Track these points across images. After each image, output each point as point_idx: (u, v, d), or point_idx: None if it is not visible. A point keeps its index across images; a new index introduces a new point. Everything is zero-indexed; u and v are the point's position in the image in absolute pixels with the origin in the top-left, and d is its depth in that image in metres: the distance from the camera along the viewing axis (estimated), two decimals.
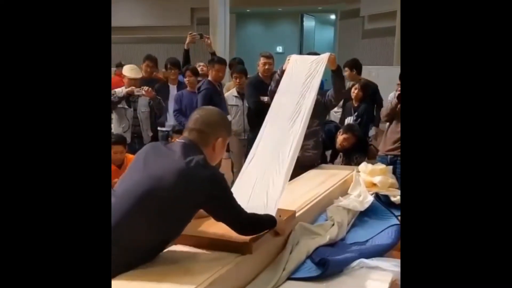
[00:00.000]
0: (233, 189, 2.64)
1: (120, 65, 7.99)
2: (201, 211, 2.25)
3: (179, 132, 4.72)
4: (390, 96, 5.40)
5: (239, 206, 2.10)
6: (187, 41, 6.15)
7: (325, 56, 3.40)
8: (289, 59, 3.52)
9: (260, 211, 2.33)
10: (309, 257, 2.47)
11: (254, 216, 2.19)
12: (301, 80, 3.10)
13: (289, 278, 2.32)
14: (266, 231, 2.25)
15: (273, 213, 2.41)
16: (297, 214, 2.74)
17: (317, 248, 2.53)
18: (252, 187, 2.60)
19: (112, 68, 7.15)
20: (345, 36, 14.17)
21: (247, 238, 2.15)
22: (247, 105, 5.38)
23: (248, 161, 2.79)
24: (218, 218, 2.11)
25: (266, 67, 5.23)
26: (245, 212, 2.12)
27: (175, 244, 2.18)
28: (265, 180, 2.60)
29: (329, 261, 2.35)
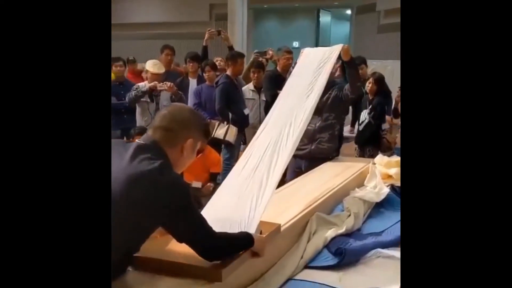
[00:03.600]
0: (243, 156, 2.60)
1: (133, 62, 8.03)
2: None
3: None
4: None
5: (205, 224, 1.78)
6: (205, 38, 6.22)
7: (338, 47, 3.42)
8: (302, 52, 3.56)
9: (265, 178, 2.31)
10: (326, 246, 2.53)
11: (225, 237, 1.89)
12: (313, 65, 3.12)
13: (306, 267, 2.38)
14: (239, 252, 1.94)
15: (278, 177, 2.32)
16: (314, 205, 2.79)
17: (333, 238, 2.59)
18: (264, 151, 2.54)
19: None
20: (361, 31, 14.14)
21: (215, 263, 1.82)
22: (263, 99, 5.45)
23: (260, 129, 2.76)
24: (179, 237, 1.78)
25: (288, 62, 5.32)
26: (213, 233, 1.80)
27: (129, 268, 1.85)
28: (276, 146, 2.55)
29: (346, 250, 2.40)
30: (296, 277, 2.27)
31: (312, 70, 3.07)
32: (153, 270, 1.83)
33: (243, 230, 2.08)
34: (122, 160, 1.67)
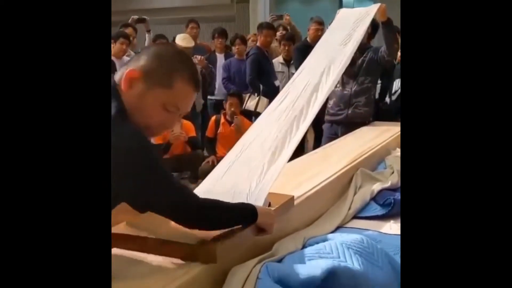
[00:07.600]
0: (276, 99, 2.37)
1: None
2: None
3: (234, 95, 4.84)
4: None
5: (179, 186, 1.42)
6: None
7: (374, 6, 3.33)
8: (338, 12, 3.49)
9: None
10: (373, 199, 2.51)
11: (209, 202, 1.47)
12: (350, 21, 3.04)
13: (355, 217, 2.36)
14: (240, 226, 1.55)
15: (312, 116, 2.14)
16: (357, 160, 2.76)
17: (380, 191, 2.56)
18: (302, 90, 2.38)
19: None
20: None
21: (209, 240, 1.49)
22: (292, 71, 5.41)
23: (296, 74, 2.61)
24: (141, 209, 1.39)
25: (319, 33, 5.25)
26: (192, 196, 1.44)
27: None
28: (315, 87, 2.39)
29: (395, 200, 2.38)
30: (346, 226, 2.26)
31: (349, 25, 3.00)
32: (137, 249, 1.51)
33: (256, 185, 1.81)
34: None
